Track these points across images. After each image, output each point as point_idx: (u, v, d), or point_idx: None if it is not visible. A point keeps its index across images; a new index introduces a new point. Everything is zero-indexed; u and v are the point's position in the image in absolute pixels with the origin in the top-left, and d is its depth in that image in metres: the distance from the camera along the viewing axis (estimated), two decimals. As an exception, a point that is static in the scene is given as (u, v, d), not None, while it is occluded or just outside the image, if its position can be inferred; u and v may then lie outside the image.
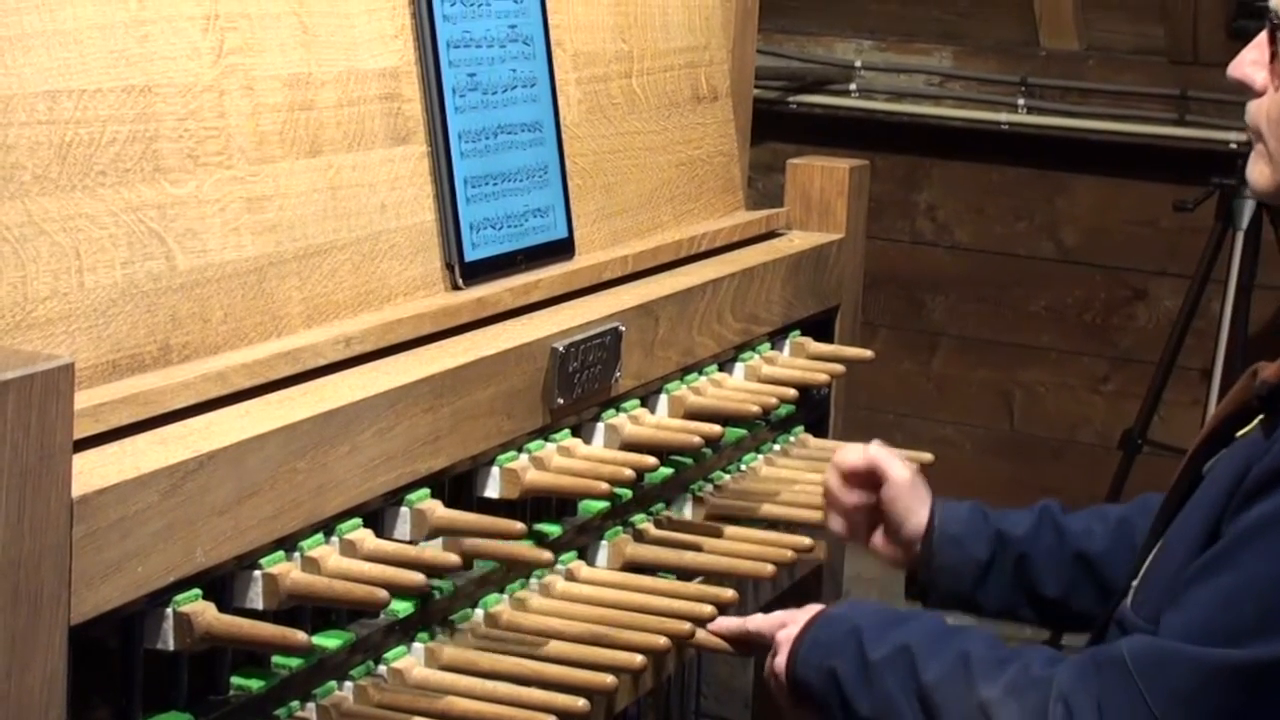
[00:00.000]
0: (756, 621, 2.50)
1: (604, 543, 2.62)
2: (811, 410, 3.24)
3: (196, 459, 1.89)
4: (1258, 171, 2.27)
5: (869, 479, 2.71)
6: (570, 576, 2.52)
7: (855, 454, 2.70)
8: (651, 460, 2.56)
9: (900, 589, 2.79)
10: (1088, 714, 2.10)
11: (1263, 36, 2.24)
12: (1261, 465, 2.10)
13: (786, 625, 2.45)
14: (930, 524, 2.65)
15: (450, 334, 2.45)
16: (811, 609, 2.47)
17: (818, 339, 3.26)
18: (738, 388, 2.98)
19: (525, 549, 2.35)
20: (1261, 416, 2.18)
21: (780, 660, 2.42)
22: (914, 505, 2.67)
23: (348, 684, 2.15)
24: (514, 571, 2.43)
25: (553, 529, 2.48)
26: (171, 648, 1.90)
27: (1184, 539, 2.21)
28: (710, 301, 2.91)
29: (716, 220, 3.23)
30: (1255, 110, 2.26)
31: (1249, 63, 2.25)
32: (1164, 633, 2.12)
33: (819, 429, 3.28)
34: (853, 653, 2.32)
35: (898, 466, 2.68)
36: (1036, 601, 2.66)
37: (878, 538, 2.75)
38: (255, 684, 2.02)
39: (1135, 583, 2.29)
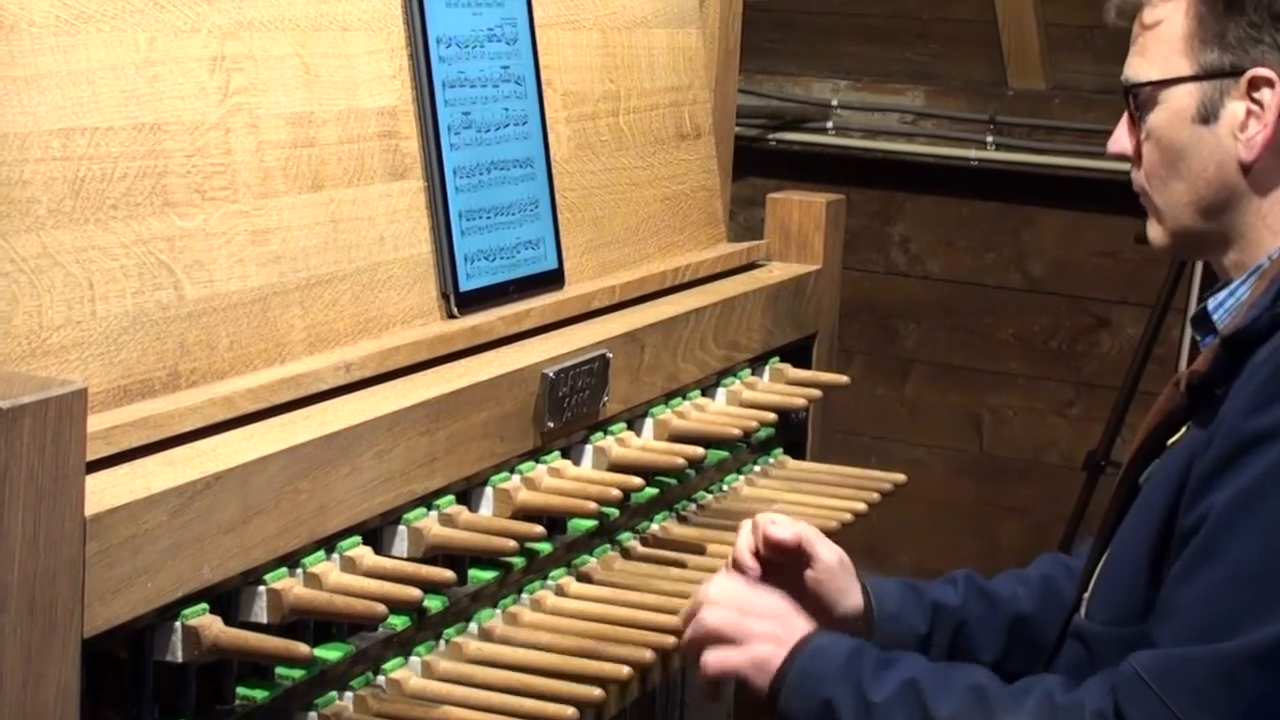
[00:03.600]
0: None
1: (592, 559, 2.62)
2: (790, 433, 3.25)
3: (204, 480, 1.90)
4: (1155, 230, 2.35)
5: (788, 554, 2.48)
6: (560, 592, 2.52)
7: (785, 529, 2.46)
8: (637, 481, 2.57)
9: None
10: None
11: (1126, 114, 2.33)
12: (1209, 455, 2.09)
13: (724, 610, 2.31)
14: (867, 604, 2.49)
15: (446, 360, 2.45)
16: (775, 621, 2.31)
17: (796, 365, 3.26)
18: (720, 412, 2.99)
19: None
20: (1190, 422, 2.20)
21: (736, 669, 2.28)
22: (846, 585, 2.49)
23: (348, 694, 2.15)
24: (506, 587, 2.44)
25: (544, 546, 2.48)
26: (180, 659, 1.90)
27: (1131, 546, 2.21)
28: (694, 330, 2.92)
29: (699, 252, 3.24)
30: (1138, 176, 2.34)
31: (1123, 137, 2.34)
32: (1164, 644, 2.07)
33: (797, 451, 3.28)
34: (851, 689, 2.19)
35: (826, 548, 2.48)
36: None
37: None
38: (260, 694, 2.02)
39: (1086, 595, 2.29)
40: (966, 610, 2.53)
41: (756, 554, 2.45)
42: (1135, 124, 2.33)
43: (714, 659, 2.30)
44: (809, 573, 2.47)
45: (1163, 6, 2.29)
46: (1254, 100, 2.23)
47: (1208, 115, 2.26)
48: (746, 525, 2.48)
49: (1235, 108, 2.25)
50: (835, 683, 2.21)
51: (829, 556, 2.47)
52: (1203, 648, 2.03)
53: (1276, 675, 2.00)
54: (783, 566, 2.46)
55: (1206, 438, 2.11)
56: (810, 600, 2.46)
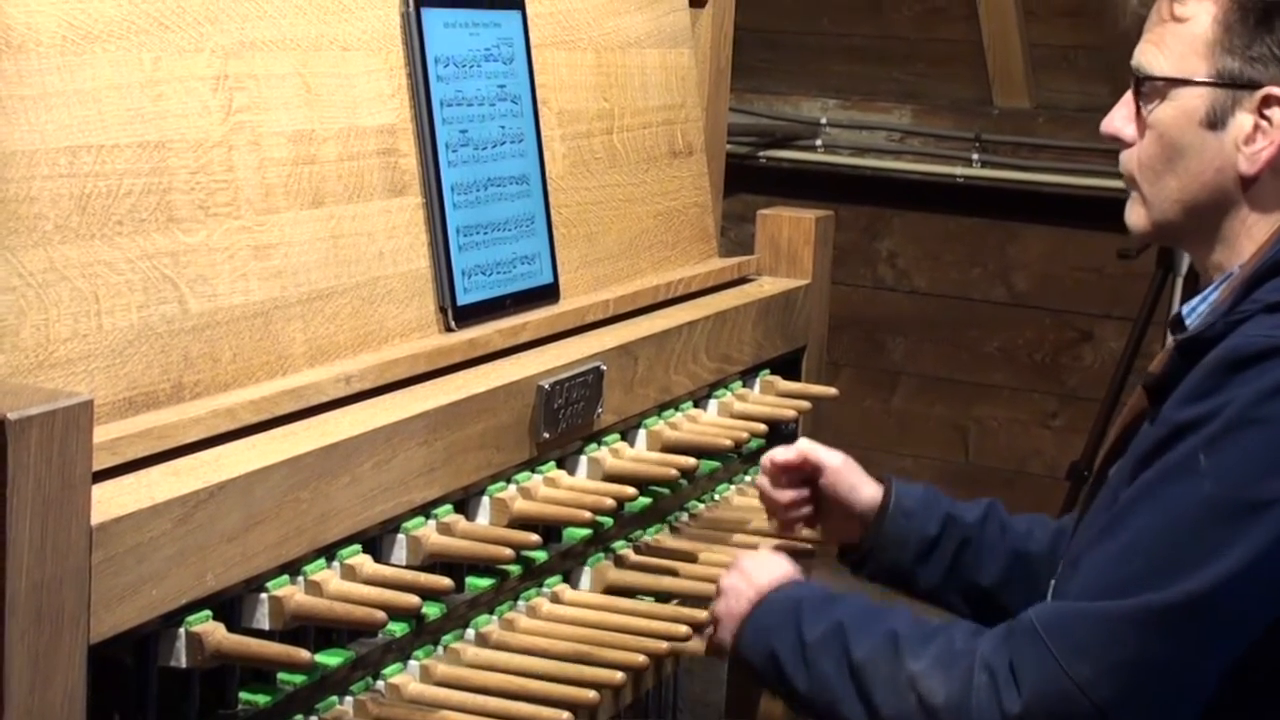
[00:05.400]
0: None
1: (587, 567, 2.63)
2: (780, 443, 3.24)
3: (207, 489, 1.90)
4: (1135, 214, 2.37)
5: (800, 473, 2.71)
6: (555, 599, 2.52)
7: (786, 451, 2.69)
8: (631, 491, 2.57)
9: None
10: (1006, 677, 2.14)
11: (1129, 94, 2.34)
12: (1141, 445, 2.20)
13: (731, 573, 2.49)
14: (886, 496, 2.66)
15: (444, 373, 2.45)
16: (755, 574, 2.47)
17: (786, 377, 3.27)
18: (711, 423, 2.99)
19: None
20: (1146, 420, 2.28)
21: (723, 626, 2.45)
22: (857, 481, 2.68)
23: (348, 699, 2.15)
24: (503, 594, 2.44)
25: (539, 554, 2.48)
26: (184, 665, 1.90)
27: (1088, 538, 2.27)
28: (686, 342, 2.92)
29: (692, 267, 3.24)
30: (1128, 159, 2.35)
31: (1120, 119, 2.36)
32: (1067, 598, 2.18)
33: (787, 461, 3.28)
34: (791, 634, 2.33)
35: (830, 454, 2.68)
36: (969, 589, 2.67)
37: (825, 524, 2.75)
38: (262, 699, 2.02)
39: (1053, 581, 2.38)
40: (978, 529, 2.67)
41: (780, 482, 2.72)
42: (1138, 111, 2.33)
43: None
44: (822, 478, 2.68)
45: (1193, 4, 2.28)
46: (1263, 116, 2.24)
47: (1215, 121, 2.26)
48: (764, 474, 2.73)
49: (1243, 120, 2.25)
50: (779, 631, 2.36)
51: (833, 460, 2.68)
52: (1093, 604, 2.13)
53: (1152, 638, 2.09)
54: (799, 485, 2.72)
55: (1150, 431, 2.21)
56: (832, 505, 2.71)
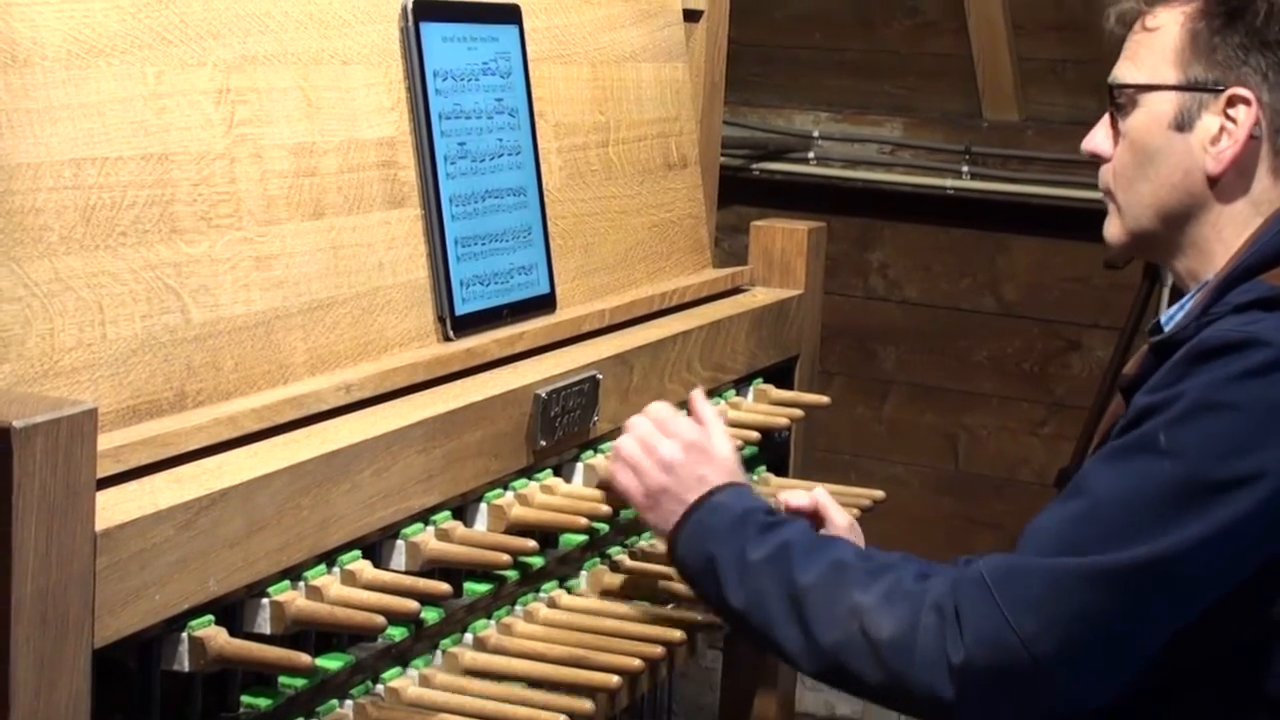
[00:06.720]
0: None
1: (583, 572, 2.63)
2: (773, 451, 3.25)
3: (209, 496, 1.90)
4: (1112, 227, 2.41)
5: (810, 520, 2.64)
6: (552, 604, 2.52)
7: (801, 496, 2.64)
8: (605, 509, 2.56)
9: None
10: (953, 622, 2.14)
11: (1107, 114, 2.39)
12: (1115, 430, 2.22)
13: (677, 439, 2.50)
14: None
15: (442, 381, 2.45)
16: (704, 462, 2.48)
17: (779, 386, 3.27)
18: (706, 431, 2.99)
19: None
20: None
21: (659, 504, 2.46)
22: None
23: (348, 702, 2.15)
24: (500, 599, 2.44)
25: (536, 560, 2.48)
26: (187, 669, 1.90)
27: None
28: (680, 352, 2.92)
29: (686, 277, 3.24)
30: (1106, 173, 2.40)
31: (1099, 137, 2.40)
32: (1018, 554, 2.18)
33: (780, 469, 3.28)
34: (734, 545, 2.33)
35: (839, 512, 2.64)
36: None
37: None
38: (263, 702, 2.02)
39: None
40: None
41: None
42: (1114, 126, 2.37)
43: (620, 482, 2.52)
44: (822, 531, 2.59)
45: (1162, 14, 2.33)
46: (1229, 117, 2.28)
47: (1183, 124, 2.30)
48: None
49: (1210, 121, 2.29)
50: (722, 539, 2.35)
51: (841, 520, 2.61)
52: (1043, 560, 2.14)
53: (1099, 597, 2.10)
54: None
55: (1121, 425, 2.22)
56: None
